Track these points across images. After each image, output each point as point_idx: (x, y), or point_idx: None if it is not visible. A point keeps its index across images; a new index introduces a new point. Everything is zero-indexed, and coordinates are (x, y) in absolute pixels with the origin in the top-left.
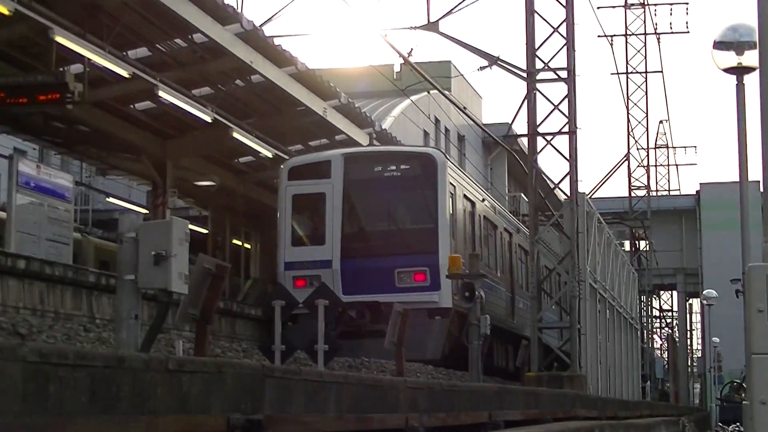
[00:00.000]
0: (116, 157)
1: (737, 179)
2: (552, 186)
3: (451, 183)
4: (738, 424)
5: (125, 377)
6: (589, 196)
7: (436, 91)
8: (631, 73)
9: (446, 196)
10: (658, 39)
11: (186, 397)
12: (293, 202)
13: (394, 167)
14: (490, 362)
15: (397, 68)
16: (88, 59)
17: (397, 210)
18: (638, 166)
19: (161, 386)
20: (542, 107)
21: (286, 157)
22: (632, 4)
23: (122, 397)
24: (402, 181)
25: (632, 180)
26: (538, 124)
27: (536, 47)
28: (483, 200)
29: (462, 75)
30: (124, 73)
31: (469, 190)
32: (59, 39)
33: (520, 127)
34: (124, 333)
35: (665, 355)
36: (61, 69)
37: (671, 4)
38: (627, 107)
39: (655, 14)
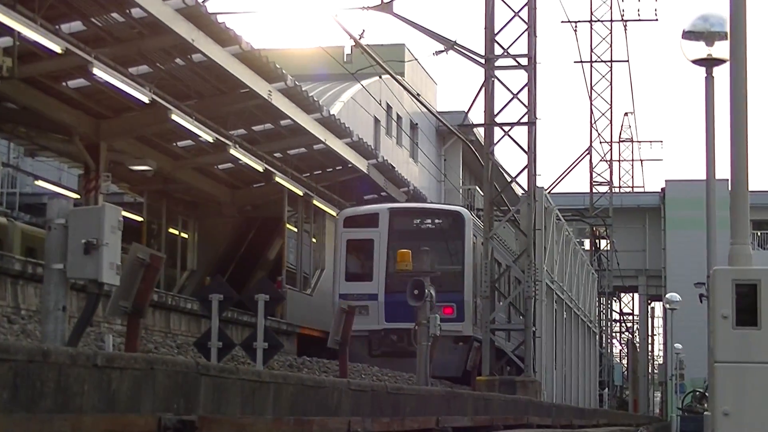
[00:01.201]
0: (46, 137)
1: (704, 177)
2: (509, 179)
3: (474, 234)
4: None
5: (50, 373)
6: (547, 191)
7: (388, 76)
8: (596, 61)
9: (470, 246)
10: (625, 26)
11: (115, 395)
12: (347, 246)
13: (429, 221)
14: None
15: (347, 50)
16: (18, 32)
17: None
18: (601, 160)
19: (88, 383)
20: (500, 96)
21: (227, 142)
22: None
23: (46, 393)
24: (436, 233)
25: (594, 175)
26: (495, 113)
27: (495, 32)
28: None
29: (416, 59)
30: (57, 48)
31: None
32: None
33: (477, 116)
34: (51, 325)
35: (625, 361)
36: None
37: None
38: (590, 98)
39: (623, 0)
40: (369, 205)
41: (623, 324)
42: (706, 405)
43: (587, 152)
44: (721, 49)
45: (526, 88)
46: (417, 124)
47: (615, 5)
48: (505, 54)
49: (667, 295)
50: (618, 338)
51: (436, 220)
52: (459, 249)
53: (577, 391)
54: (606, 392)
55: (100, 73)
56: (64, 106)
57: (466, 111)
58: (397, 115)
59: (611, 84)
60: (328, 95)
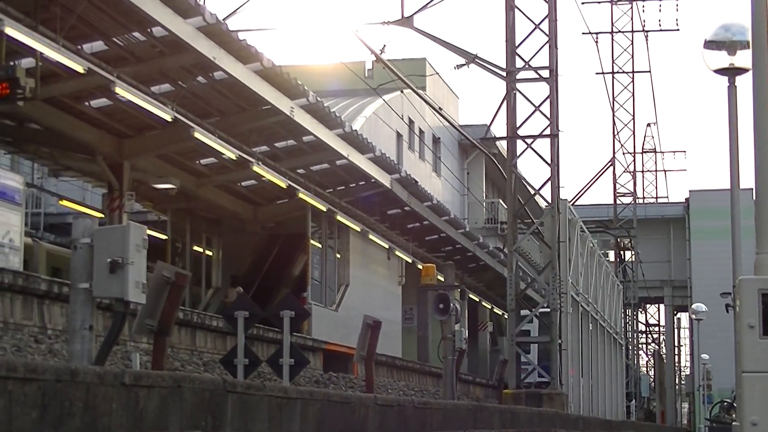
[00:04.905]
0: (70, 157)
1: (728, 186)
2: (532, 192)
3: None
4: None
5: (78, 392)
6: (571, 203)
7: (410, 91)
8: (617, 72)
9: None
10: (646, 37)
11: (142, 413)
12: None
13: None
14: None
15: (369, 66)
16: (41, 53)
17: None
18: (624, 171)
19: (116, 401)
20: (522, 108)
21: (250, 159)
22: (619, 0)
23: (75, 412)
24: None
25: (617, 186)
26: (517, 126)
27: (516, 45)
28: None
29: (438, 73)
30: (79, 68)
31: None
32: (9, 31)
33: (499, 129)
34: (78, 345)
35: (651, 372)
36: (12, 63)
37: None
38: (612, 109)
39: (643, 10)
40: None
41: (649, 335)
42: (734, 415)
43: (610, 163)
44: (743, 58)
45: (548, 101)
46: (439, 138)
47: (636, 16)
48: (527, 66)
49: (692, 306)
50: (644, 349)
51: None
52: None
53: (603, 403)
54: (633, 404)
55: (122, 92)
56: (87, 125)
57: (488, 124)
58: (420, 129)
59: (633, 95)
60: (350, 110)
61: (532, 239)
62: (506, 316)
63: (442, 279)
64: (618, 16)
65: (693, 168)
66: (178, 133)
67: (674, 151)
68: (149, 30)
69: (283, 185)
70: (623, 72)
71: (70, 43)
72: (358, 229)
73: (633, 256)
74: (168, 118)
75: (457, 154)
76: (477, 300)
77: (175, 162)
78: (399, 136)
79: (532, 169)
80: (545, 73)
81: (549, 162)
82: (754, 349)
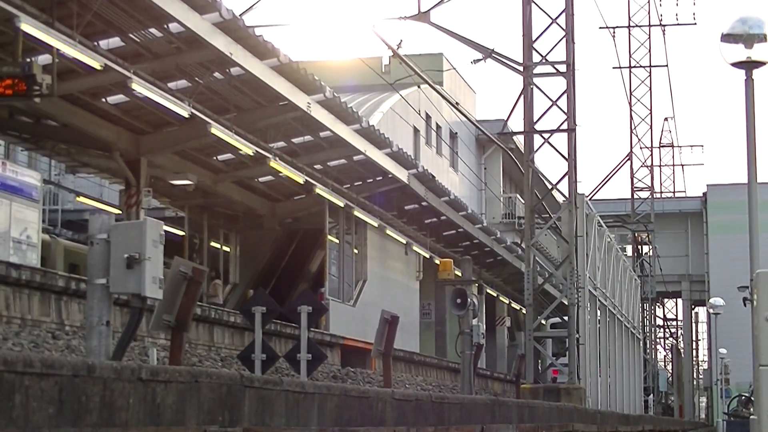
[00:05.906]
0: (87, 153)
1: (746, 180)
2: (550, 187)
3: None
4: None
5: (95, 387)
6: (588, 197)
7: (426, 86)
8: (635, 67)
9: None
10: (663, 31)
11: (159, 409)
12: None
13: None
14: None
15: (385, 61)
16: (57, 49)
17: None
18: (641, 166)
19: (133, 397)
20: (539, 103)
21: (267, 154)
22: None
23: (92, 408)
24: None
25: (635, 181)
26: (535, 121)
27: (533, 39)
28: None
29: (454, 68)
30: (96, 65)
31: None
32: (26, 28)
33: (516, 124)
34: (95, 340)
35: (669, 366)
36: (28, 60)
37: None
38: (630, 103)
39: (660, 5)
40: None
41: (667, 329)
42: (752, 409)
43: (628, 158)
44: (761, 51)
45: (565, 95)
46: (456, 133)
47: (653, 10)
48: (544, 61)
49: (710, 300)
50: (662, 344)
51: None
52: None
53: (621, 397)
54: (651, 398)
55: (139, 88)
56: (104, 122)
57: (505, 119)
58: (437, 124)
59: (650, 89)
60: (367, 106)
61: (550, 234)
62: (524, 311)
63: (460, 274)
64: (635, 10)
65: (710, 162)
66: (195, 129)
67: (692, 146)
68: (166, 26)
69: (301, 181)
70: (640, 66)
71: (87, 40)
72: (375, 224)
73: (650, 251)
74: (185, 114)
75: (474, 149)
76: (494, 295)
77: (193, 158)
78: (416, 131)
79: (549, 163)
80: (562, 68)
81: (566, 156)
82: None
